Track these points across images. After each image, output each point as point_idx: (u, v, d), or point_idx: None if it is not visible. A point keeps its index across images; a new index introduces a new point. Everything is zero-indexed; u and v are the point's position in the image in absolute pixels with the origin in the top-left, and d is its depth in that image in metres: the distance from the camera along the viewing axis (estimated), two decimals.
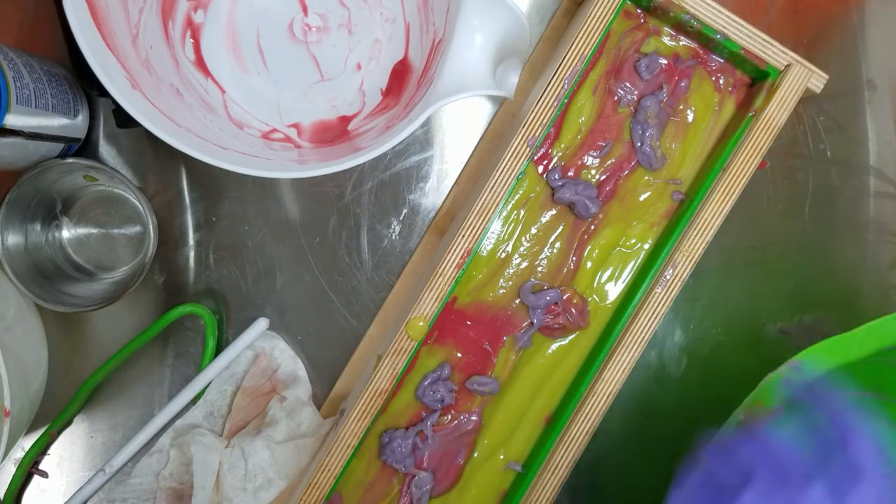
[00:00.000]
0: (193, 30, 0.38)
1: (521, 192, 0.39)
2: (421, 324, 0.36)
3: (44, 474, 0.42)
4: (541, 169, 0.39)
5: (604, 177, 0.39)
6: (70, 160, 0.38)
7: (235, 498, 0.38)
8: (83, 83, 0.39)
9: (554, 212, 0.39)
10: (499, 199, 0.36)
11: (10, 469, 0.41)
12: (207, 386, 0.41)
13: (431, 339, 0.39)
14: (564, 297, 0.39)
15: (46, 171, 0.37)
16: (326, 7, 0.39)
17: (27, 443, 0.41)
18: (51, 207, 0.40)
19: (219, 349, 0.41)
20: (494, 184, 0.36)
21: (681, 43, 0.39)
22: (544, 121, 0.36)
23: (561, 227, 0.39)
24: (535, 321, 0.39)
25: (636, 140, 0.39)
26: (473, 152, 0.42)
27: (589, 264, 0.39)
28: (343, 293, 0.42)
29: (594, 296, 0.39)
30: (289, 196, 0.42)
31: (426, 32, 0.38)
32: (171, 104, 0.33)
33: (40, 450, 0.41)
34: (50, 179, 0.38)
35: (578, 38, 0.36)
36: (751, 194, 0.41)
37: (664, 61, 0.39)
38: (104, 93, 0.30)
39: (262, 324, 0.41)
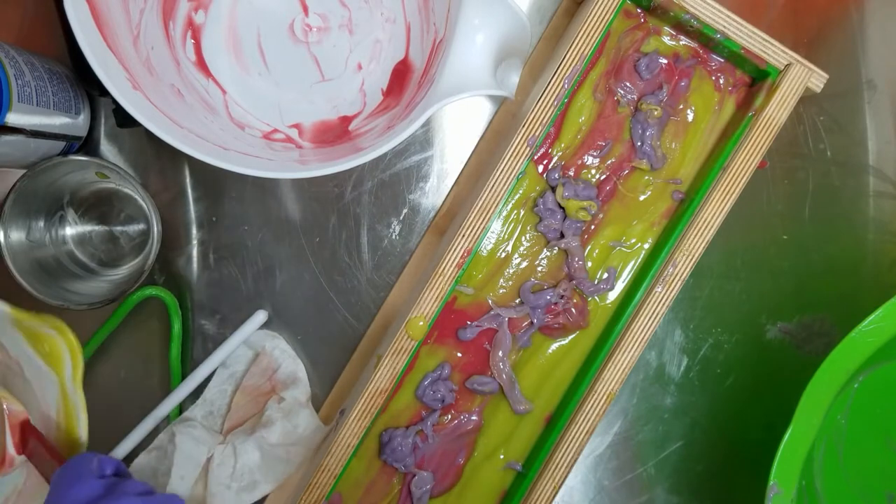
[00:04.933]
0: (194, 30, 0.38)
1: (521, 191, 0.39)
2: (421, 323, 0.36)
3: None
4: (541, 168, 0.39)
5: (604, 176, 0.39)
6: (83, 157, 0.38)
7: (219, 494, 0.38)
8: (83, 83, 0.39)
9: None
10: (499, 198, 0.36)
11: None
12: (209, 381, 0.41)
13: (431, 339, 0.39)
14: (564, 297, 0.39)
15: (58, 166, 0.37)
16: (327, 7, 0.39)
17: None
18: (56, 203, 0.40)
19: (193, 330, 0.42)
20: (494, 183, 0.36)
21: (681, 42, 0.39)
22: (544, 120, 0.36)
23: None
24: (535, 321, 0.39)
25: (636, 140, 0.39)
26: (473, 152, 0.42)
27: (589, 264, 0.39)
28: (343, 293, 0.42)
29: (594, 295, 0.39)
30: (289, 196, 0.42)
31: (427, 32, 0.38)
32: (171, 105, 0.33)
33: None
34: (59, 174, 0.39)
35: (578, 38, 0.36)
36: (751, 194, 0.41)
37: (664, 61, 0.39)
38: (105, 92, 0.30)
39: (260, 316, 0.41)
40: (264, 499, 0.41)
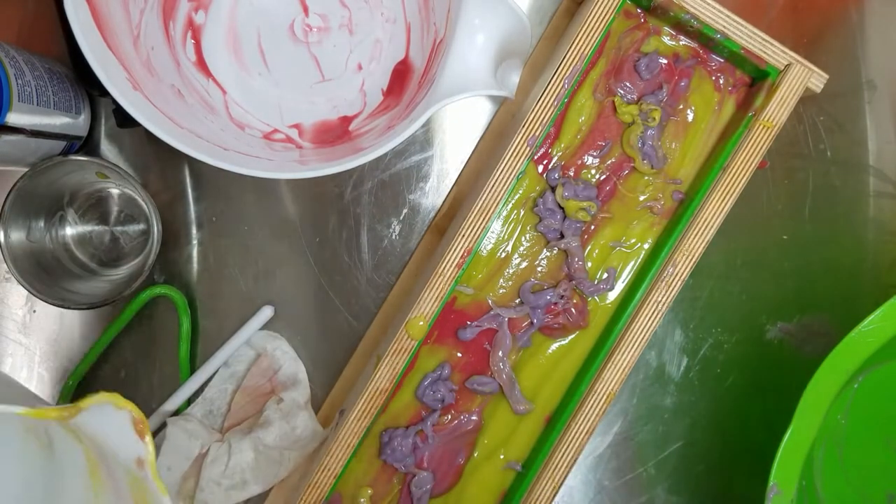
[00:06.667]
0: (194, 30, 0.38)
1: (521, 191, 0.39)
2: (421, 323, 0.36)
3: None
4: (541, 168, 0.39)
5: (604, 176, 0.39)
6: (83, 157, 0.38)
7: (206, 488, 0.38)
8: (83, 83, 0.39)
9: None
10: (499, 198, 0.36)
11: None
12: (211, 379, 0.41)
13: (431, 339, 0.39)
14: (564, 297, 0.39)
15: (58, 165, 0.37)
16: (327, 7, 0.39)
17: None
18: (56, 203, 0.40)
19: (194, 330, 0.42)
20: (494, 183, 0.36)
21: (681, 42, 0.39)
22: (544, 120, 0.36)
23: None
24: (535, 321, 0.39)
25: (637, 139, 0.39)
26: (473, 152, 0.42)
27: (589, 264, 0.39)
28: (343, 293, 0.42)
29: (594, 295, 0.39)
30: (289, 196, 0.42)
31: (427, 32, 0.38)
32: (172, 105, 0.33)
33: None
34: (59, 174, 0.38)
35: (578, 38, 0.36)
36: (751, 194, 0.41)
37: (664, 61, 0.39)
38: (105, 92, 0.30)
39: (267, 311, 0.41)
40: (264, 497, 0.41)
